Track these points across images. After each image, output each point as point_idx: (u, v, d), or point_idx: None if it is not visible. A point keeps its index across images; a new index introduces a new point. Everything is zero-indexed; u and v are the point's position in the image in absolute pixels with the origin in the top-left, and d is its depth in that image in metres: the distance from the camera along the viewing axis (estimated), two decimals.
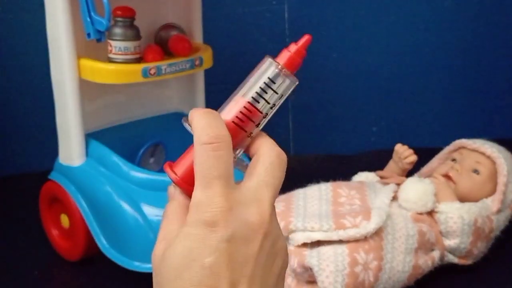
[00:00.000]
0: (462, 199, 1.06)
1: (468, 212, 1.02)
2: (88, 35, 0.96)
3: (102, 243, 1.00)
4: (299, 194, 1.03)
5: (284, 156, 0.41)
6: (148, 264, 0.97)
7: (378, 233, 0.94)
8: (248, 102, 0.42)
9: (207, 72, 1.18)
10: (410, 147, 1.16)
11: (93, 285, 1.04)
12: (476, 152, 1.12)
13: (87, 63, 0.99)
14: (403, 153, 1.14)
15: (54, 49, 1.00)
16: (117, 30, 0.98)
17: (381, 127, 1.56)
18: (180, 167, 0.41)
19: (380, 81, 1.53)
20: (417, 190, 1.01)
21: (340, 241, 0.92)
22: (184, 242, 0.37)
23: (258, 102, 0.42)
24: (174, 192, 0.42)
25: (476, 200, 1.07)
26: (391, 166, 1.17)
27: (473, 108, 1.58)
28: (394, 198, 1.02)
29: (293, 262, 0.91)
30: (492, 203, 1.07)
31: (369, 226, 0.93)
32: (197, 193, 0.38)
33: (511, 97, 1.58)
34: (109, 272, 1.03)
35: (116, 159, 1.02)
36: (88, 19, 0.94)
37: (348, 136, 1.55)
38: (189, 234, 0.37)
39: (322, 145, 1.52)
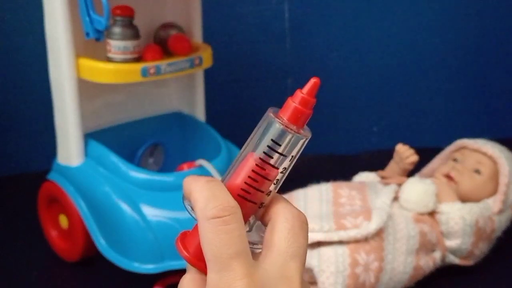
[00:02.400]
0: (464, 199, 1.06)
1: (470, 212, 1.01)
2: (87, 34, 0.95)
3: (101, 243, 0.99)
4: (299, 194, 1.03)
5: (304, 217, 0.35)
6: (147, 265, 0.96)
7: (379, 233, 0.94)
8: (253, 171, 0.34)
9: (206, 72, 1.18)
10: (411, 147, 1.15)
11: (92, 286, 1.04)
12: (477, 152, 1.12)
13: (86, 62, 0.98)
14: (404, 153, 1.13)
15: (53, 48, 1.00)
16: (116, 29, 0.97)
17: (382, 127, 1.55)
18: (193, 243, 0.35)
19: (381, 81, 1.53)
20: (418, 191, 1.01)
21: (341, 242, 0.92)
22: None
23: (264, 170, 0.35)
24: (189, 266, 0.36)
25: (477, 200, 1.07)
26: (392, 166, 1.16)
27: (474, 108, 1.58)
28: (395, 199, 1.02)
29: None
30: (493, 204, 1.07)
31: (370, 227, 0.92)
32: (212, 277, 0.31)
33: None
34: (108, 273, 1.03)
35: (115, 159, 1.01)
36: (87, 18, 0.94)
37: (348, 136, 1.55)
38: None
39: (323, 145, 1.52)
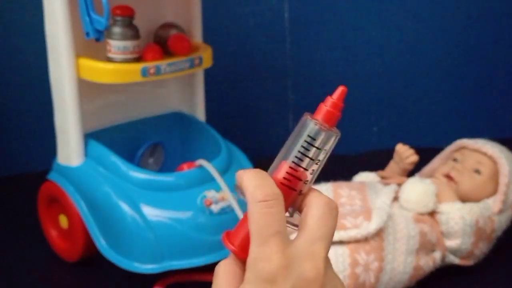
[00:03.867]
0: (464, 199, 1.06)
1: (470, 212, 1.01)
2: (87, 34, 0.95)
3: (101, 244, 0.99)
4: None
5: (334, 204, 0.41)
6: (147, 265, 0.96)
7: (379, 233, 0.94)
8: (293, 162, 0.42)
9: (206, 72, 1.18)
10: (411, 147, 1.15)
11: (92, 286, 1.04)
12: (477, 152, 1.12)
13: (86, 62, 0.98)
14: (404, 153, 1.13)
15: (53, 48, 1.00)
16: (116, 29, 0.97)
17: (381, 127, 1.55)
18: (237, 237, 0.42)
19: (381, 81, 1.53)
20: (418, 191, 1.01)
21: (341, 242, 0.92)
22: None
23: (302, 161, 0.42)
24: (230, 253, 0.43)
25: (477, 200, 1.07)
26: (392, 166, 1.16)
27: (474, 108, 1.58)
28: (395, 199, 1.02)
29: None
30: (493, 204, 1.07)
31: (370, 227, 0.92)
32: (253, 250, 0.39)
33: None
34: (108, 273, 1.03)
35: (115, 159, 1.01)
36: (87, 18, 0.94)
37: (348, 136, 1.54)
38: (250, 284, 0.38)
39: None
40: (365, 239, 0.92)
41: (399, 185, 1.04)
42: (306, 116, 0.44)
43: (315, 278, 0.39)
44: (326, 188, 1.03)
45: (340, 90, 0.44)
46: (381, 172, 1.15)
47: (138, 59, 0.99)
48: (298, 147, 0.42)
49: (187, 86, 1.18)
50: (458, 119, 1.57)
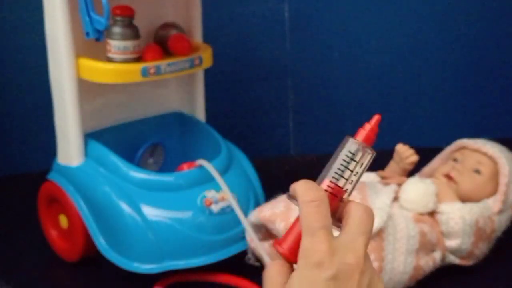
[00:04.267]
0: (464, 199, 1.06)
1: (470, 212, 1.01)
2: (87, 34, 0.95)
3: (101, 243, 0.99)
4: None
5: (370, 210, 0.50)
6: (147, 265, 0.96)
7: (379, 233, 0.94)
8: (336, 173, 0.52)
9: (207, 72, 1.18)
10: (411, 147, 1.15)
11: (92, 286, 1.04)
12: (477, 152, 1.12)
13: (86, 62, 0.98)
14: (404, 153, 1.13)
15: (53, 48, 1.00)
16: (116, 29, 0.97)
17: (381, 127, 1.54)
18: (286, 242, 0.50)
19: (380, 80, 1.53)
20: (418, 191, 1.01)
21: None
22: (298, 283, 0.46)
23: (344, 172, 0.52)
24: (273, 257, 0.51)
25: (477, 200, 1.07)
26: (392, 166, 1.16)
27: (474, 108, 1.58)
28: (395, 199, 1.02)
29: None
30: (493, 204, 1.07)
31: None
32: (304, 241, 0.47)
33: None
34: (108, 273, 1.03)
35: (115, 159, 1.01)
36: (87, 18, 0.94)
37: None
38: (301, 275, 0.46)
39: (323, 145, 1.52)
40: None
41: (399, 185, 1.04)
42: (348, 137, 0.54)
43: (356, 265, 0.47)
44: None
45: (376, 117, 0.55)
46: (381, 172, 1.14)
47: (138, 59, 0.99)
48: (340, 161, 0.52)
49: (187, 86, 1.18)
50: (458, 119, 1.57)
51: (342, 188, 0.51)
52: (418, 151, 1.15)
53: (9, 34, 1.33)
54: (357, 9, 1.47)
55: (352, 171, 0.52)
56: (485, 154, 1.11)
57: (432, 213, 1.02)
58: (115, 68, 0.98)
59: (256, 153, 1.22)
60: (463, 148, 1.15)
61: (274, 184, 1.04)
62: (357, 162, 0.52)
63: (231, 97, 1.48)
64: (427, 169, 1.20)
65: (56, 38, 0.98)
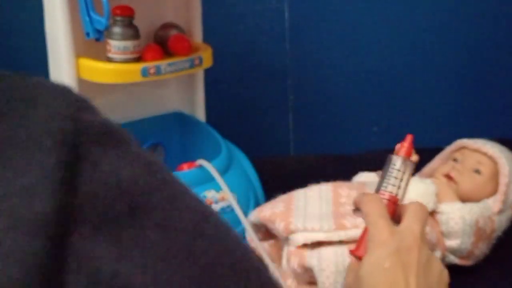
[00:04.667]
0: (464, 199, 1.06)
1: (470, 212, 1.01)
2: (87, 34, 0.95)
3: None
4: (299, 194, 1.03)
5: (423, 204, 0.65)
6: None
7: None
8: (385, 182, 0.69)
9: (207, 72, 1.18)
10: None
11: None
12: (477, 152, 1.12)
13: (86, 62, 0.98)
14: None
15: (53, 48, 1.00)
16: (116, 30, 0.97)
17: (381, 127, 1.56)
18: (360, 248, 0.64)
19: (381, 81, 1.53)
20: (418, 191, 1.01)
21: (341, 242, 0.92)
22: (368, 262, 0.60)
23: (393, 182, 0.69)
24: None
25: (477, 200, 1.07)
26: None
27: (474, 108, 1.58)
28: None
29: (293, 262, 0.90)
30: (493, 204, 1.07)
31: None
32: (370, 231, 0.62)
33: None
34: None
35: None
36: (87, 18, 0.94)
37: (348, 136, 1.55)
38: (369, 255, 0.61)
39: (323, 145, 1.52)
40: None
41: None
42: (391, 155, 0.72)
43: (414, 243, 0.60)
44: (326, 188, 1.03)
45: (410, 137, 0.75)
46: (381, 172, 1.14)
47: (138, 59, 0.99)
48: (389, 173, 0.69)
49: (187, 86, 1.19)
50: (458, 119, 1.57)
51: (395, 195, 0.67)
52: (418, 151, 1.15)
53: (9, 34, 1.33)
54: (356, 9, 1.48)
55: (400, 180, 0.68)
56: (485, 154, 1.11)
57: (432, 213, 1.02)
58: (115, 68, 0.98)
59: (256, 153, 1.22)
60: (463, 148, 1.15)
61: (274, 184, 1.04)
62: (403, 172, 0.69)
63: (231, 97, 1.48)
64: (427, 169, 1.20)
65: (56, 38, 0.98)
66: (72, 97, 0.27)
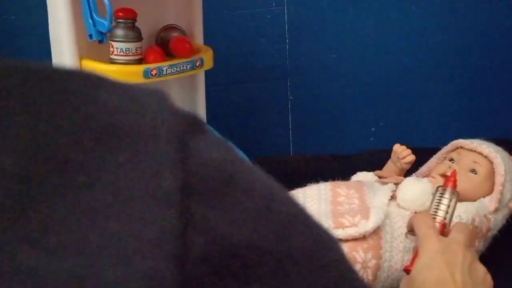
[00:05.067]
0: (460, 198, 1.07)
1: (466, 211, 1.02)
2: (90, 36, 0.96)
3: None
4: (298, 193, 1.04)
5: (467, 224, 0.86)
6: None
7: (376, 232, 0.95)
8: (434, 208, 0.85)
9: (207, 73, 1.19)
10: (409, 147, 1.16)
11: None
12: (473, 152, 1.13)
13: (89, 64, 0.99)
14: (402, 153, 1.15)
15: (56, 50, 1.01)
16: (119, 32, 0.98)
17: (379, 127, 1.57)
18: (412, 264, 0.75)
19: (379, 81, 1.54)
20: (415, 190, 1.02)
21: (339, 240, 0.93)
22: (420, 261, 0.71)
23: (442, 207, 0.85)
24: None
25: (473, 199, 1.08)
26: (390, 166, 1.17)
27: (473, 108, 1.58)
28: (393, 198, 1.03)
29: None
30: (489, 203, 1.08)
31: (368, 225, 0.94)
32: (420, 239, 0.75)
33: (511, 97, 1.59)
34: None
35: None
36: (90, 21, 0.95)
37: (347, 136, 1.56)
38: (421, 257, 0.72)
39: (322, 145, 1.53)
40: (363, 238, 0.93)
41: (397, 184, 1.05)
42: (439, 187, 0.88)
43: (459, 249, 0.71)
44: (325, 187, 1.04)
45: (453, 173, 0.89)
46: (378, 172, 1.16)
47: (140, 61, 1.00)
48: (438, 202, 0.85)
49: (188, 87, 1.20)
50: (457, 119, 1.58)
51: (443, 219, 0.82)
52: (415, 151, 1.16)
53: (13, 35, 1.35)
54: (355, 11, 1.48)
55: (448, 207, 0.84)
56: (481, 154, 1.12)
57: None
58: (117, 70, 0.99)
59: (256, 153, 1.23)
60: (459, 148, 1.16)
61: None
62: (450, 200, 0.84)
63: (231, 98, 1.49)
64: (424, 169, 1.21)
65: (60, 40, 0.99)
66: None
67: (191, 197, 0.26)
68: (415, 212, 1.02)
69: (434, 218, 0.82)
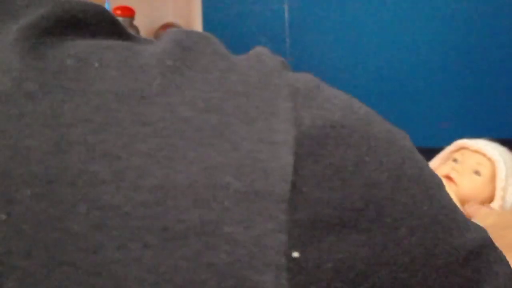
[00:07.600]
0: (463, 200, 1.05)
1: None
2: None
3: None
4: None
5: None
6: None
7: None
8: None
9: None
10: None
11: None
12: (477, 153, 1.11)
13: None
14: None
15: None
16: None
17: None
18: None
19: (380, 81, 1.53)
20: None
21: None
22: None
23: None
24: None
25: (476, 201, 1.06)
26: None
27: (475, 108, 1.58)
28: None
29: None
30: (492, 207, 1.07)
31: None
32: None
33: None
34: None
35: None
36: None
37: None
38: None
39: None
40: None
41: None
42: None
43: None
44: None
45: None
46: None
47: None
48: None
49: None
50: (458, 119, 1.57)
51: None
52: (418, 151, 1.15)
53: None
54: (356, 9, 1.48)
55: None
56: (484, 155, 1.10)
57: None
58: None
59: None
60: (463, 148, 1.15)
61: None
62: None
63: None
64: None
65: None
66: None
67: (301, 163, 0.27)
68: None
69: None
